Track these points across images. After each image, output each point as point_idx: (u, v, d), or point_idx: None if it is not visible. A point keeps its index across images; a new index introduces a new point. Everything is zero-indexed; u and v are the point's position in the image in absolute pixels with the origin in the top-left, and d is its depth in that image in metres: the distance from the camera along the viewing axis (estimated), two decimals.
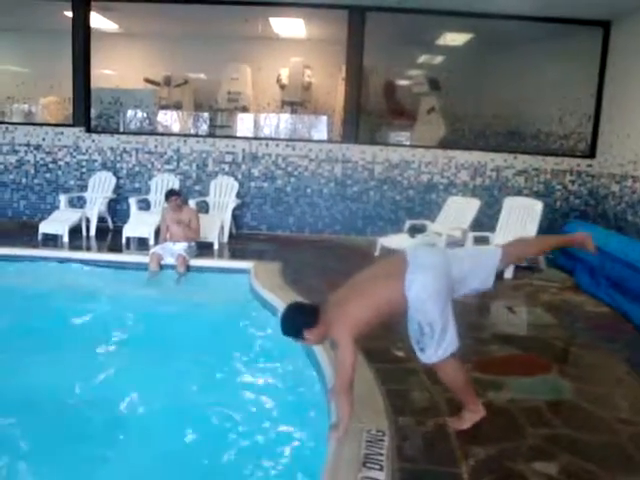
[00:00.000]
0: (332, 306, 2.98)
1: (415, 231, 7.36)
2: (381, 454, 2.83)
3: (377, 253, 7.30)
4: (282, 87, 11.07)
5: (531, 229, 6.98)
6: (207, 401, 3.78)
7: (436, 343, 2.91)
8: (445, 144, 9.41)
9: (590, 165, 8.59)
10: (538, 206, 7.13)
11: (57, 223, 7.63)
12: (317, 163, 8.53)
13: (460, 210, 7.64)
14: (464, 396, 3.18)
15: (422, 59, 11.45)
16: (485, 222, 8.13)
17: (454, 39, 10.20)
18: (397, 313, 2.97)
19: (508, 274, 6.57)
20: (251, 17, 9.18)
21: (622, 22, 8.10)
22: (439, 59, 11.40)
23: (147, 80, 10.71)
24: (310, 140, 9.17)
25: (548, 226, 8.30)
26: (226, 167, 8.64)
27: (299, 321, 2.91)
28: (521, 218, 7.20)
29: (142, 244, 7.33)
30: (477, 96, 10.98)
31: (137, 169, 8.74)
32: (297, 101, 10.84)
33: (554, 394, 3.71)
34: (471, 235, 7.02)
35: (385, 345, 4.35)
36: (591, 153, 8.63)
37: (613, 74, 8.30)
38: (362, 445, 2.89)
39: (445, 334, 2.92)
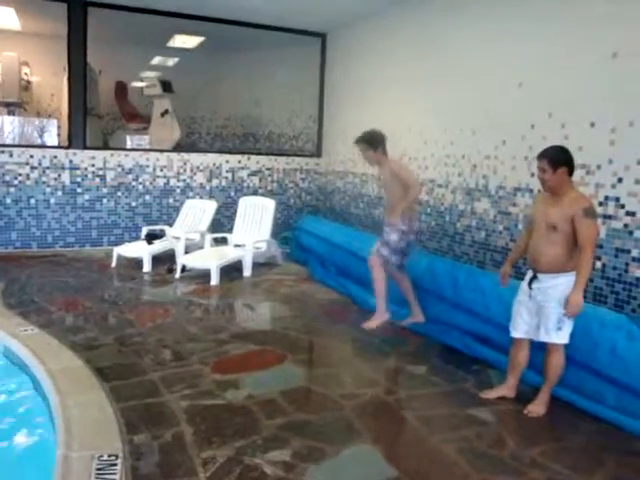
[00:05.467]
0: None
1: (153, 237, 7.17)
2: None
3: (114, 264, 6.94)
4: None
5: (266, 226, 7.29)
6: None
7: None
8: (181, 147, 9.36)
9: (318, 164, 9.29)
10: (271, 204, 7.46)
11: None
12: (41, 171, 7.76)
13: (198, 213, 7.66)
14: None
15: (155, 61, 11.22)
16: (225, 223, 8.30)
17: (186, 41, 10.16)
18: None
19: (247, 272, 6.78)
20: None
21: (334, 34, 8.92)
22: (173, 61, 11.29)
23: None
24: (29, 145, 8.30)
25: (284, 222, 8.79)
26: None
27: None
28: (256, 216, 7.46)
29: None
30: (213, 99, 11.15)
31: None
32: (15, 102, 9.75)
33: (288, 383, 3.87)
34: (209, 237, 7.08)
35: (123, 361, 4.14)
36: (318, 152, 9.33)
37: (330, 80, 9.09)
38: (92, 474, 2.68)
39: None
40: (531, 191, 5.22)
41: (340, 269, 6.63)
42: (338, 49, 8.85)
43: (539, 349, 3.62)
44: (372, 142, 4.87)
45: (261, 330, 5.04)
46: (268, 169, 8.98)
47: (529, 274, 3.60)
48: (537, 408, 3.55)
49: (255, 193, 8.64)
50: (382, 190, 5.19)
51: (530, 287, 3.55)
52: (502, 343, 4.10)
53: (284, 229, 8.58)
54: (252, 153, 9.18)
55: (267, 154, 9.24)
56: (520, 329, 3.65)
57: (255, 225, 7.38)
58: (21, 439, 3.35)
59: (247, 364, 4.19)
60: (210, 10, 7.96)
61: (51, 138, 9.38)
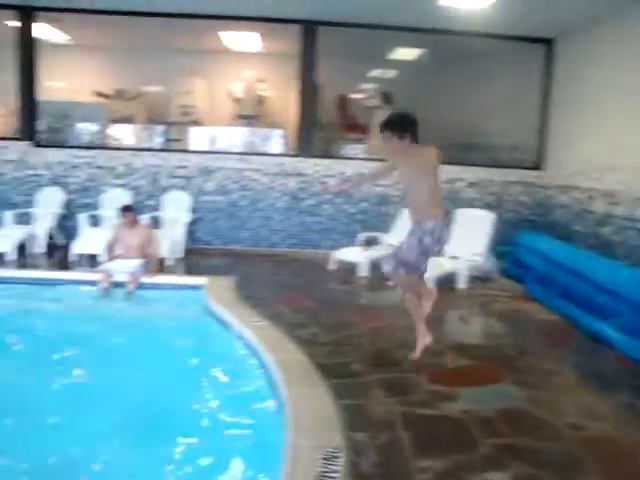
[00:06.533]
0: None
1: (369, 243, 7.41)
2: (336, 472, 2.80)
3: (331, 267, 7.31)
4: (236, 101, 11.08)
5: (483, 240, 7.11)
6: (161, 417, 3.69)
7: None
8: None
9: (538, 177, 8.81)
10: (490, 217, 7.26)
11: (1, 240, 7.35)
12: (271, 177, 8.50)
13: None
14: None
15: (375, 73, 11.60)
16: None
17: (405, 54, 10.36)
18: None
19: (461, 284, 6.67)
20: (203, 30, 9.11)
21: (566, 39, 8.38)
22: (392, 73, 11.57)
23: (97, 93, 10.53)
24: (263, 154, 9.14)
25: (499, 237, 8.46)
26: (179, 181, 8.53)
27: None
28: (473, 229, 7.31)
29: (92, 261, 7.13)
30: (430, 109, 11.16)
31: (87, 184, 8.53)
32: (252, 115, 10.84)
33: (505, 402, 3.74)
34: None
35: (342, 360, 4.35)
36: (539, 164, 8.86)
37: (558, 89, 8.56)
38: (317, 463, 2.86)
39: None
40: None
41: (562, 290, 6.21)
42: (567, 55, 8.30)
43: None
44: (398, 125, 4.17)
45: (475, 345, 4.93)
46: (485, 181, 8.76)
47: None
48: None
49: (470, 205, 8.47)
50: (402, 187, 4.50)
51: None
52: None
53: (498, 243, 8.28)
54: (470, 164, 9.02)
55: (485, 165, 9.00)
56: None
57: (471, 238, 7.23)
58: (249, 420, 3.69)
59: (462, 378, 4.14)
60: (431, 22, 7.99)
61: (279, 147, 10.21)
